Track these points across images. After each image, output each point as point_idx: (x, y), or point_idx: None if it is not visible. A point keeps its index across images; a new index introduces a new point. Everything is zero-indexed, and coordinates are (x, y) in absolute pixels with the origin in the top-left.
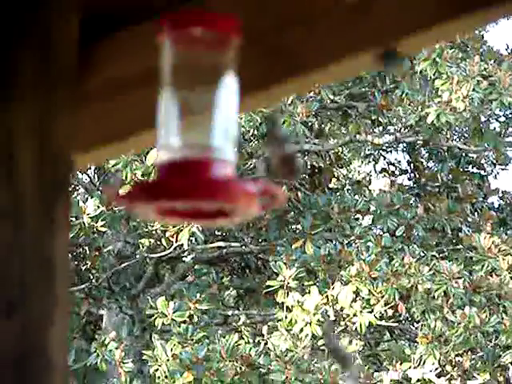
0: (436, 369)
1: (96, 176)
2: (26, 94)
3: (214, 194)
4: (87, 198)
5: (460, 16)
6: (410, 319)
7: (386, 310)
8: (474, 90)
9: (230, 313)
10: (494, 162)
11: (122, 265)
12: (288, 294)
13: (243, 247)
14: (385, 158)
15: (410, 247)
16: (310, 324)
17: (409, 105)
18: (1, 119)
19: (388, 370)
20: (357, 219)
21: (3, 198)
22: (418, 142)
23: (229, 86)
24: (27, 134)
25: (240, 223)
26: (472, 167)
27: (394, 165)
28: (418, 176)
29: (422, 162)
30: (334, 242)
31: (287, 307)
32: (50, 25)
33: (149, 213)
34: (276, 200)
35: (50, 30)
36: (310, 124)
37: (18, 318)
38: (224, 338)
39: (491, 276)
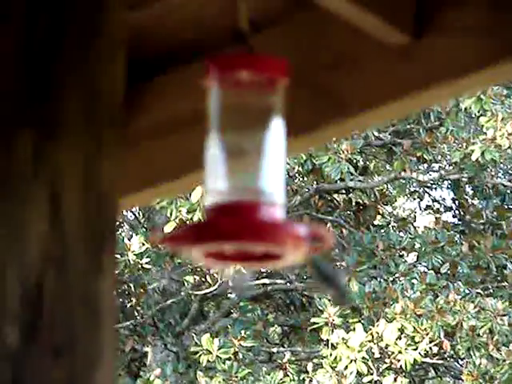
0: None
1: (141, 213)
2: (73, 133)
3: (262, 237)
4: (132, 235)
5: (502, 61)
6: (454, 356)
7: (430, 348)
8: None
9: (274, 350)
10: None
11: (167, 302)
12: (333, 331)
13: (288, 284)
14: (430, 195)
15: (455, 284)
16: (355, 361)
17: (453, 142)
18: (47, 159)
19: None
20: (401, 256)
21: (50, 241)
22: (463, 179)
23: (276, 129)
24: (74, 175)
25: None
26: None
27: (438, 202)
28: (462, 213)
29: (466, 199)
30: (378, 279)
31: (332, 344)
32: (99, 63)
33: (196, 255)
34: (323, 243)
35: (98, 69)
36: (354, 161)
37: (65, 361)
38: (269, 375)
39: None
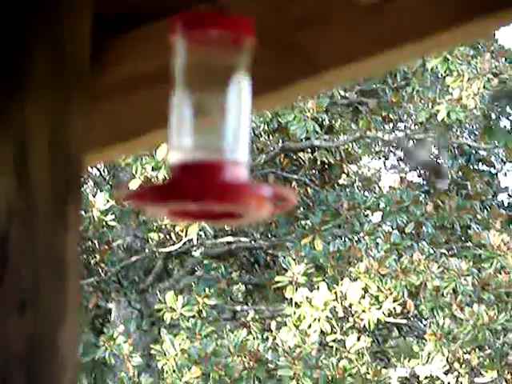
0: (444, 366)
1: (106, 170)
2: (38, 93)
3: (225, 198)
4: (97, 192)
5: (475, 18)
6: (418, 316)
7: (394, 307)
8: (484, 87)
9: (238, 308)
10: (504, 159)
11: (131, 259)
12: (297, 289)
13: (252, 242)
14: (395, 155)
15: (420, 244)
16: (319, 320)
17: (419, 102)
18: (13, 119)
19: (396, 366)
20: (366, 216)
21: (16, 198)
22: (429, 138)
23: (242, 87)
24: (40, 134)
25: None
26: (482, 165)
27: (403, 161)
28: (427, 173)
29: (431, 159)
30: (343, 239)
31: (296, 303)
32: (63, 24)
33: (160, 212)
34: (287, 203)
35: (63, 30)
36: (320, 120)
37: (30, 316)
38: (232, 333)
39: (500, 274)
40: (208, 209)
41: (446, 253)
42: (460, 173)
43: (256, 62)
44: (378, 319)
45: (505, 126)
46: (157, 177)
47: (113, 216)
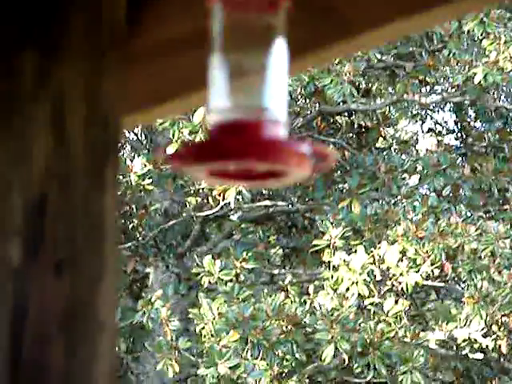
0: (482, 329)
1: (143, 134)
2: (75, 55)
3: (266, 156)
4: (134, 156)
5: None
6: (456, 279)
7: (432, 270)
8: None
9: (276, 272)
10: None
11: (169, 223)
12: (334, 253)
13: (290, 206)
14: (432, 118)
15: (457, 207)
16: (357, 283)
17: (456, 65)
18: (52, 81)
19: (434, 329)
20: (403, 179)
21: (54, 159)
22: (465, 101)
23: (279, 49)
24: (77, 95)
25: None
26: None
27: (440, 124)
28: (464, 136)
29: (468, 122)
30: (380, 202)
31: (333, 266)
32: None
33: (199, 174)
34: (327, 161)
35: None
36: (357, 83)
37: (68, 277)
38: (270, 296)
39: None
40: (248, 168)
41: (484, 216)
42: (497, 136)
43: (291, 24)
44: (415, 282)
45: None
46: (194, 140)
47: (150, 180)
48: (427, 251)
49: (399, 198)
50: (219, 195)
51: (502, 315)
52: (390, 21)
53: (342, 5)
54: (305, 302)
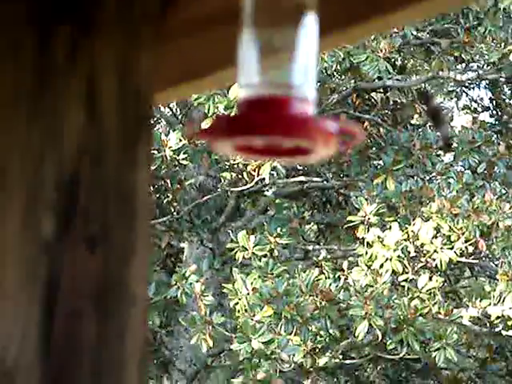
0: None
1: (178, 109)
2: (109, 29)
3: (292, 131)
4: (169, 131)
5: None
6: (490, 256)
7: (466, 247)
8: None
9: (310, 247)
10: None
11: (204, 198)
12: (368, 229)
13: (324, 182)
14: (467, 95)
15: (492, 184)
16: (391, 260)
17: (492, 42)
18: (84, 55)
19: (468, 306)
20: (438, 156)
21: (85, 135)
22: (501, 79)
23: (309, 25)
24: (110, 70)
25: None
26: None
27: (476, 102)
28: (500, 113)
29: (504, 100)
30: (415, 178)
31: (367, 243)
32: None
33: (228, 148)
34: (354, 138)
35: None
36: (392, 60)
37: (100, 252)
38: (304, 272)
39: None
40: (275, 144)
41: None
42: None
43: (322, 1)
44: (449, 259)
45: None
46: (222, 115)
47: (185, 155)
48: (461, 228)
49: (434, 174)
50: (254, 171)
51: None
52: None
53: None
54: (339, 278)
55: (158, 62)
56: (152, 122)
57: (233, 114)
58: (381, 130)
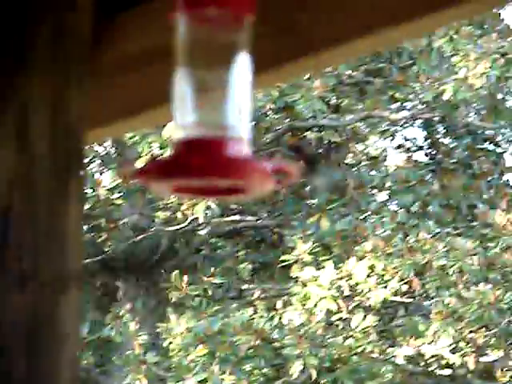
0: (450, 345)
1: (112, 148)
2: (41, 68)
3: (228, 173)
4: (103, 171)
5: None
6: (424, 295)
7: (400, 286)
8: (490, 67)
9: (244, 287)
10: (510, 139)
11: (138, 237)
12: (303, 268)
13: (259, 221)
14: (401, 134)
15: (425, 223)
16: (325, 299)
17: (426, 81)
18: (16, 93)
19: (402, 345)
20: (372, 195)
21: (17, 170)
22: (435, 118)
23: (243, 64)
24: (41, 108)
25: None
26: (488, 144)
27: (410, 141)
28: (434, 152)
29: (438, 139)
30: (349, 217)
31: (302, 282)
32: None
33: (164, 189)
34: (290, 177)
35: (65, 5)
36: (327, 99)
37: (31, 290)
38: (238, 311)
39: (506, 253)
40: (211, 184)
41: (452, 232)
42: (466, 152)
43: (255, 39)
44: (383, 298)
45: (511, 106)
46: (163, 155)
47: (119, 194)
48: (395, 267)
49: (368, 213)
50: (188, 210)
51: (470, 331)
52: (353, 37)
53: (306, 21)
54: (273, 317)
55: (91, 99)
56: (86, 160)
57: (168, 154)
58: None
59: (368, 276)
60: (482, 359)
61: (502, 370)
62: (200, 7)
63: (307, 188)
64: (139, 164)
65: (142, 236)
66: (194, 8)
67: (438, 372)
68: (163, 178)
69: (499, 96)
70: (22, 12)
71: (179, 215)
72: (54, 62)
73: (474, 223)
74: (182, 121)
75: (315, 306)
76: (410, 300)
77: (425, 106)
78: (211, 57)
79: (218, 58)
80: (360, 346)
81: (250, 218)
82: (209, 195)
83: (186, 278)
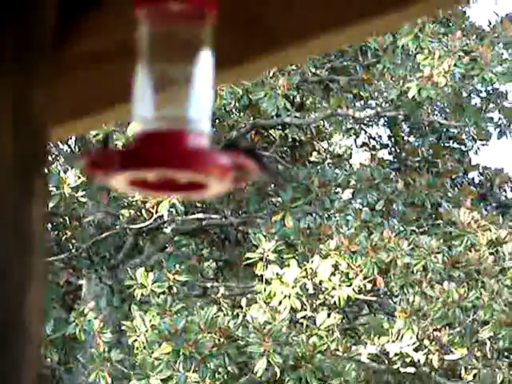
0: (414, 343)
1: (77, 147)
2: (3, 68)
3: (186, 165)
4: (68, 169)
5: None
6: (388, 293)
7: (364, 284)
8: (455, 65)
9: (209, 284)
10: (475, 137)
11: (102, 235)
12: (267, 266)
13: (223, 219)
14: (366, 132)
15: (390, 222)
16: (289, 297)
17: (390, 79)
18: None
19: (366, 343)
20: (337, 193)
21: None
22: (399, 116)
23: (204, 60)
24: (4, 107)
25: (220, 195)
26: (453, 142)
27: (374, 139)
28: (398, 150)
29: (402, 137)
30: (313, 216)
31: (266, 280)
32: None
33: (122, 183)
34: (250, 173)
35: (27, 5)
36: (291, 97)
37: None
38: (203, 309)
39: (470, 251)
40: (170, 178)
41: (417, 230)
42: (431, 150)
43: (218, 35)
44: (348, 296)
45: (476, 104)
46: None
47: (84, 192)
48: (360, 265)
49: (332, 211)
50: (152, 208)
51: (434, 329)
52: (317, 33)
53: (269, 16)
54: (237, 315)
55: (54, 97)
56: (50, 158)
57: (125, 147)
58: (279, 167)
59: (332, 274)
60: (446, 357)
61: (466, 368)
62: (161, 1)
63: (271, 186)
64: (96, 156)
65: (106, 234)
66: (156, 2)
67: (403, 370)
68: (119, 170)
69: (464, 94)
70: None
71: (144, 213)
72: (16, 61)
73: (439, 221)
74: (143, 115)
75: (279, 303)
76: (374, 298)
77: (389, 104)
78: (173, 52)
79: (180, 54)
80: (324, 344)
81: (214, 216)
82: (168, 191)
83: (150, 275)
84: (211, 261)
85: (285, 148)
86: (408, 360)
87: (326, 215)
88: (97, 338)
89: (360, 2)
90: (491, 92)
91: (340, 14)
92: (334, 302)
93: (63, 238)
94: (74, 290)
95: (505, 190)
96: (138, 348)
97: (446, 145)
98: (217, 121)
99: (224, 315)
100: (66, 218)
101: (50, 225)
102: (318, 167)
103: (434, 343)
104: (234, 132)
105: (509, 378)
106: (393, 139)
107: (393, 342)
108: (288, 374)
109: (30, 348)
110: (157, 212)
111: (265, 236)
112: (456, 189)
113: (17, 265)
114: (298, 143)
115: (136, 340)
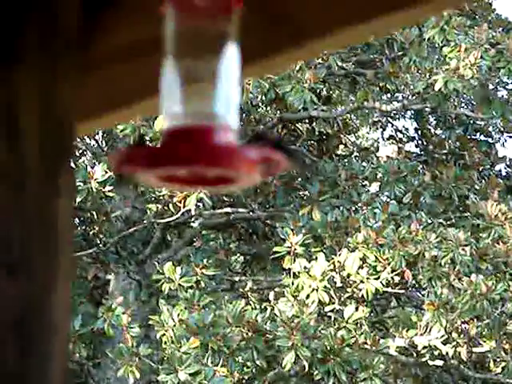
0: (442, 336)
1: (104, 141)
2: (31, 57)
3: (215, 161)
4: (95, 163)
5: None
6: (416, 286)
7: (392, 277)
8: (481, 57)
9: (236, 278)
10: (502, 129)
11: (130, 230)
12: (295, 260)
13: (250, 213)
14: (392, 125)
15: (417, 214)
16: (317, 290)
17: (417, 72)
18: (6, 81)
19: (394, 336)
20: (364, 186)
21: (6, 161)
22: (426, 109)
23: (231, 55)
24: (31, 98)
25: (247, 189)
26: (479, 135)
27: (401, 132)
28: (425, 143)
29: (429, 129)
30: (341, 209)
31: (294, 273)
32: None
33: (152, 179)
34: (278, 166)
35: (53, 0)
36: (318, 90)
37: (20, 279)
38: (231, 303)
39: (498, 243)
40: (199, 174)
41: (444, 223)
42: (458, 143)
43: (244, 30)
44: (376, 289)
45: (502, 96)
46: (145, 145)
47: (111, 187)
48: (387, 258)
49: (360, 205)
50: (180, 202)
51: (462, 322)
52: (342, 27)
53: (294, 10)
54: (265, 309)
55: (81, 91)
56: (77, 153)
57: (155, 144)
58: (306, 160)
59: (360, 267)
60: (474, 350)
61: (494, 361)
62: None
63: (298, 180)
64: (127, 153)
65: (133, 229)
66: None
67: (431, 363)
68: (150, 167)
69: (490, 86)
70: (7, 9)
71: (171, 207)
72: (45, 52)
73: (466, 214)
74: (171, 111)
75: (307, 297)
76: (403, 291)
77: (416, 96)
78: (200, 47)
79: (207, 48)
80: (352, 338)
81: (241, 210)
82: (197, 185)
83: (178, 270)
84: (239, 255)
85: (312, 142)
86: (436, 353)
87: (354, 208)
88: (125, 332)
89: None
90: None
91: (366, 7)
92: (362, 295)
93: (91, 232)
94: (101, 284)
95: None
96: (165, 342)
97: (473, 137)
98: (243, 115)
99: (252, 309)
100: (94, 213)
101: (77, 220)
102: (345, 160)
103: (462, 336)
104: (261, 126)
105: None
106: (419, 132)
107: (421, 334)
108: (316, 368)
109: (55, 341)
110: (184, 206)
111: (292, 230)
112: (483, 181)
113: (43, 256)
114: (324, 137)
115: (164, 334)
